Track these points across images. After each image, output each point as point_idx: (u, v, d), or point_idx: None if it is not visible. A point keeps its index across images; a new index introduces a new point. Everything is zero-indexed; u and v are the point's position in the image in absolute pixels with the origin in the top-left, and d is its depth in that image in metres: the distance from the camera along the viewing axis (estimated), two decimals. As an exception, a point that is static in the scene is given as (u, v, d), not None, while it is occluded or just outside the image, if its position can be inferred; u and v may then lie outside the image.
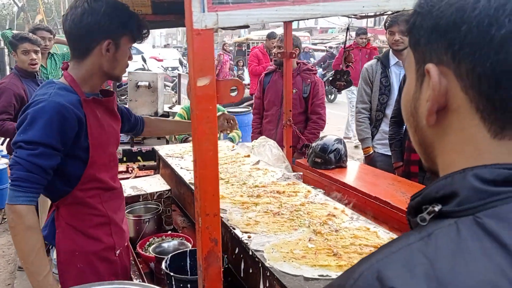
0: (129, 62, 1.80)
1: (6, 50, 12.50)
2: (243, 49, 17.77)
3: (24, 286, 3.74)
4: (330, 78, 2.56)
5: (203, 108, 1.01)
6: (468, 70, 0.56)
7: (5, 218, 5.21)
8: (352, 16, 1.23)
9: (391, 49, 3.59)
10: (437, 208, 0.55)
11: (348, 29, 2.35)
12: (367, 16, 1.50)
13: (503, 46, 0.53)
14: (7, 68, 12.80)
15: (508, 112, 0.55)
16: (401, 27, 3.30)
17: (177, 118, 4.00)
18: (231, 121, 2.35)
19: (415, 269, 0.50)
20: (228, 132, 2.43)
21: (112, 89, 2.96)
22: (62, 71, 1.73)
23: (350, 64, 2.47)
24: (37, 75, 3.87)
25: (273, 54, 4.28)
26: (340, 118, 11.18)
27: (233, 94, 1.06)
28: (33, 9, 30.67)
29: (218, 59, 12.35)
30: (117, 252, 1.83)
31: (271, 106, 4.15)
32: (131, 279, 1.97)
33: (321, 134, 4.05)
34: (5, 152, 5.82)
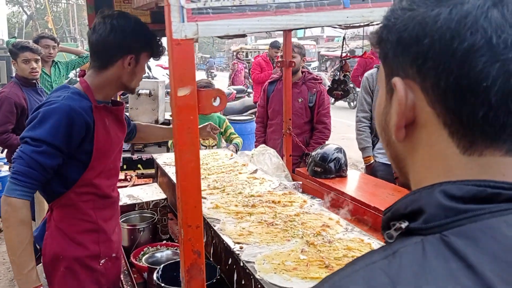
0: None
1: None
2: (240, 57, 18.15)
3: (23, 294, 3.73)
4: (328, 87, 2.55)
5: (183, 118, 1.00)
6: (433, 84, 0.54)
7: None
8: (337, 26, 1.22)
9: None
10: (403, 225, 0.54)
11: (344, 38, 2.34)
12: (352, 27, 1.48)
13: (466, 60, 0.51)
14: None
15: (476, 128, 0.53)
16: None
17: None
18: (214, 130, 2.46)
19: None
20: (212, 141, 2.56)
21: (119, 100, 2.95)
22: (79, 78, 1.83)
23: (347, 73, 2.46)
24: (37, 83, 3.90)
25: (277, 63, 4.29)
26: (344, 126, 11.14)
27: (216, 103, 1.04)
28: (42, 17, 31.05)
29: (232, 68, 12.33)
30: (102, 261, 1.84)
31: (275, 115, 4.13)
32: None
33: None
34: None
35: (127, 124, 2.18)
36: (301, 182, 3.08)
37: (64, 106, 1.64)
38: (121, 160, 3.67)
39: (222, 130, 4.07)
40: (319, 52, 24.17)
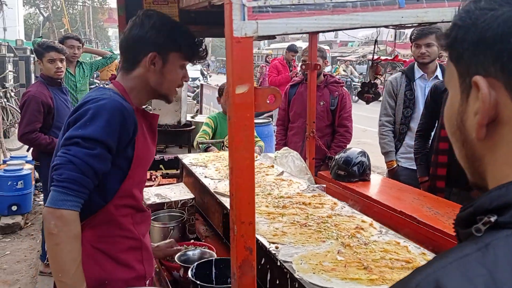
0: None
1: (32, 59, 12.83)
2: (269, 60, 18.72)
3: (45, 291, 3.77)
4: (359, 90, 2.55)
5: (241, 115, 1.01)
6: None
7: (28, 223, 5.28)
8: (391, 26, 1.22)
9: (416, 62, 3.56)
10: (493, 219, 0.54)
11: (376, 41, 2.35)
12: (406, 27, 1.48)
13: None
14: (32, 76, 13.11)
15: None
16: (428, 40, 3.28)
17: (204, 127, 4.03)
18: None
19: (474, 280, 0.50)
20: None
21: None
22: (111, 81, 1.71)
23: (378, 76, 2.46)
24: (62, 82, 3.96)
25: (300, 66, 4.34)
26: (359, 132, 11.09)
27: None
28: (58, 19, 31.42)
29: (260, 71, 12.36)
30: (147, 282, 1.70)
31: (297, 118, 4.16)
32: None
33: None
34: (29, 158, 5.95)
35: None
36: (324, 185, 3.08)
37: (116, 102, 1.49)
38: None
39: None
40: (333, 57, 24.16)
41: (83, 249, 1.52)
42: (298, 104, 4.11)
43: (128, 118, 1.50)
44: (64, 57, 3.86)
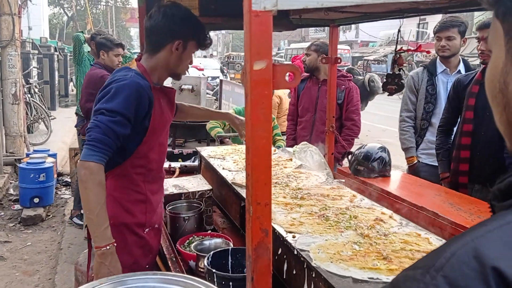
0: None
1: (56, 56, 13.05)
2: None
3: (64, 281, 3.81)
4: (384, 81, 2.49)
5: (258, 93, 0.99)
6: None
7: (49, 215, 5.36)
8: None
9: (438, 57, 3.49)
10: None
11: (399, 30, 2.29)
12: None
13: None
14: (56, 73, 13.34)
15: None
16: (449, 33, 3.21)
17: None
18: None
19: None
20: None
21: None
22: (136, 62, 2.02)
23: (402, 67, 2.40)
24: None
25: (302, 60, 4.29)
26: (379, 131, 10.97)
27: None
28: (82, 18, 31.90)
29: None
30: (146, 230, 2.02)
31: (305, 112, 4.13)
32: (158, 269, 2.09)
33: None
34: (52, 152, 6.04)
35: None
36: (343, 180, 3.03)
37: (133, 82, 1.82)
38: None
39: None
40: (353, 57, 23.96)
41: None
42: (306, 99, 4.09)
43: (143, 95, 1.84)
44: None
